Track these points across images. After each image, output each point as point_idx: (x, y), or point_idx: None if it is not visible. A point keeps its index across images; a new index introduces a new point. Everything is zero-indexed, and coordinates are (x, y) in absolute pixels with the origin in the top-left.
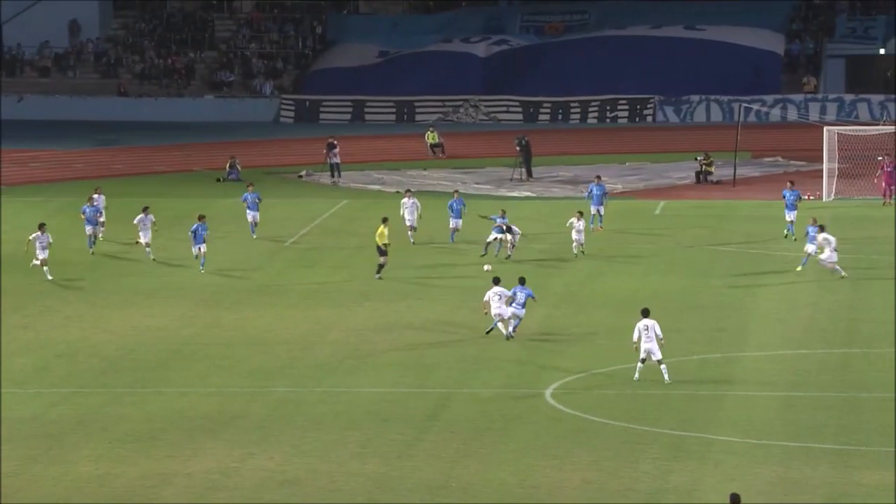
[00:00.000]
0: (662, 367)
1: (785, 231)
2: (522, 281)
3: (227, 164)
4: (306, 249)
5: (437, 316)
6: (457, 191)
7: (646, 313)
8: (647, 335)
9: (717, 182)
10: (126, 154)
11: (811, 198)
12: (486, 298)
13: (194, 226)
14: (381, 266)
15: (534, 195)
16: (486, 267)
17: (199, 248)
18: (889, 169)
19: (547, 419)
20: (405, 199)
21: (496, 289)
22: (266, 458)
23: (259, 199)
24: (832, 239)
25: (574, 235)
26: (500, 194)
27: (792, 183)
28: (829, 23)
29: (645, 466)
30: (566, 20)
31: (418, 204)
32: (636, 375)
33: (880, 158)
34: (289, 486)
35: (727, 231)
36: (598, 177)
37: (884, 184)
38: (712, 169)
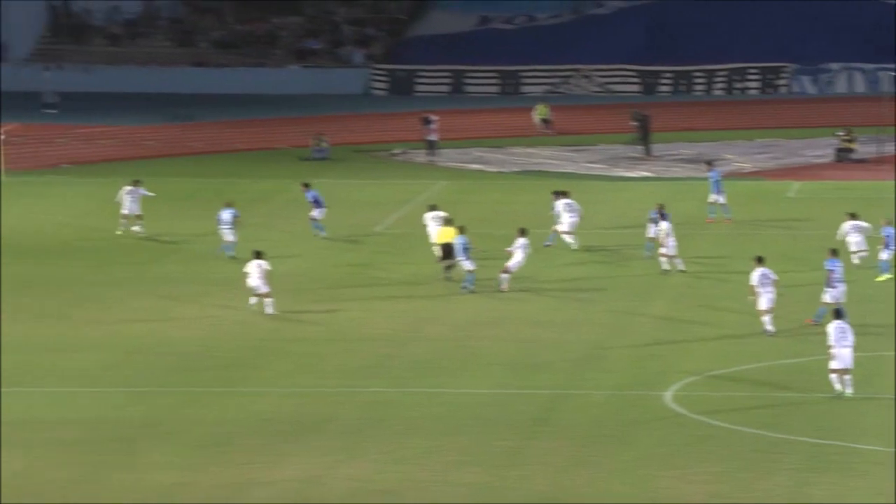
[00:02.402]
0: (847, 377)
1: None
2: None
3: (313, 142)
4: (399, 235)
5: (545, 312)
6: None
7: (839, 314)
8: (844, 339)
9: (860, 160)
10: (202, 130)
11: None
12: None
13: (220, 211)
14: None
15: (652, 175)
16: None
17: (227, 235)
18: None
19: (667, 424)
20: (560, 202)
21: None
22: (357, 465)
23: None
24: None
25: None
26: (615, 174)
27: None
28: None
29: (780, 478)
30: None
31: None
32: (837, 387)
33: None
34: (383, 496)
35: (872, 215)
36: (710, 162)
37: None
38: (854, 146)
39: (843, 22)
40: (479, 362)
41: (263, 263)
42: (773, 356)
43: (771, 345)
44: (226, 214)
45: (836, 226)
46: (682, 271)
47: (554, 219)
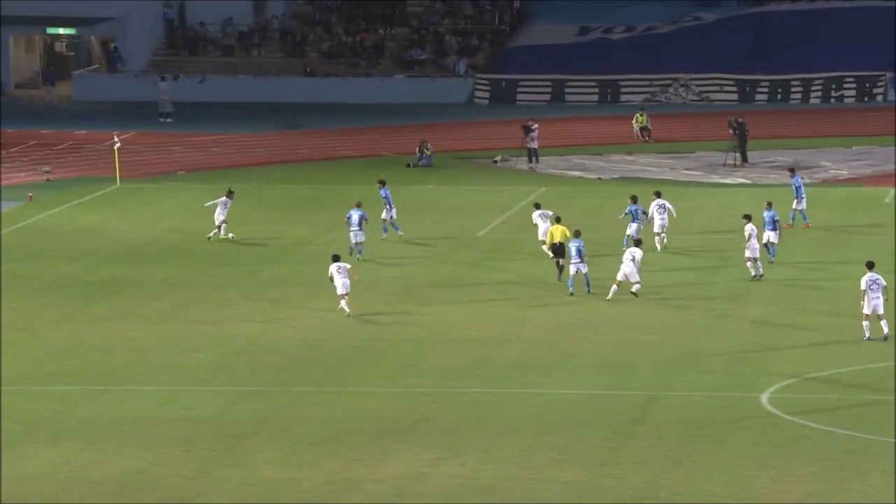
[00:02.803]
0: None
1: None
2: (577, 234)
3: (418, 149)
4: (501, 240)
5: (640, 314)
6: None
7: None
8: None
9: None
10: (310, 138)
11: None
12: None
13: (350, 212)
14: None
15: (749, 182)
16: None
17: (356, 236)
18: None
19: (763, 425)
20: (653, 203)
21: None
22: (458, 463)
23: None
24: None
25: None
26: (711, 181)
27: None
28: None
29: (874, 480)
30: None
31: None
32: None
33: None
34: (483, 493)
35: None
36: (792, 169)
37: None
38: None
39: None
40: (575, 363)
41: (344, 265)
42: (869, 359)
43: (866, 348)
44: (355, 215)
45: None
46: (757, 276)
47: (628, 221)
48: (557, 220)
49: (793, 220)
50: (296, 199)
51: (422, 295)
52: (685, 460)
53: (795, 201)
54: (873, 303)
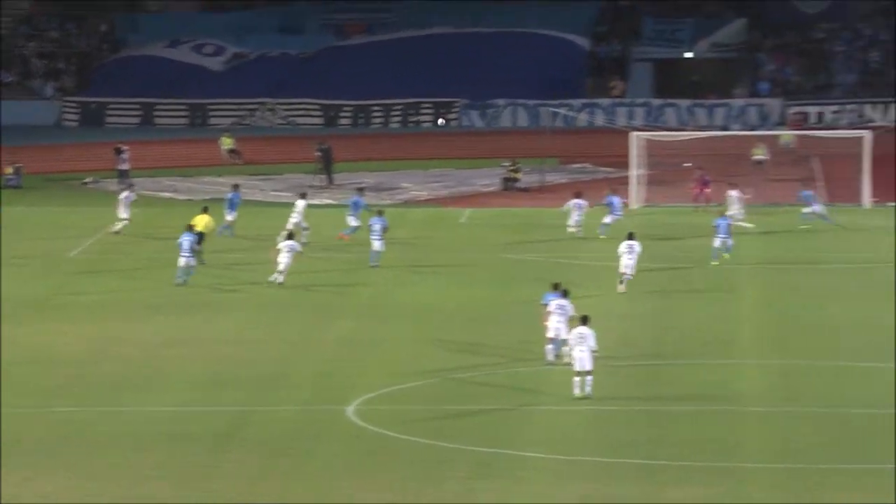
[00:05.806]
0: (589, 378)
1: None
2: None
3: (10, 170)
4: (93, 260)
5: (234, 330)
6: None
7: (584, 320)
8: (581, 343)
9: (525, 189)
10: None
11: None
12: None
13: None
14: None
15: (335, 202)
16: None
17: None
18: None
19: (348, 437)
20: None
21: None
22: (46, 483)
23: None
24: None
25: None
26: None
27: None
28: (635, 26)
29: (450, 486)
30: (368, 19)
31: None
32: (575, 391)
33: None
34: None
35: (534, 240)
36: (361, 189)
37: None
38: (519, 175)
39: (506, 63)
40: (168, 380)
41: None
42: (449, 370)
43: (446, 359)
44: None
45: (507, 249)
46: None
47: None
48: (205, 210)
49: (350, 233)
50: None
51: (11, 315)
52: (274, 473)
53: (352, 218)
54: (554, 326)
